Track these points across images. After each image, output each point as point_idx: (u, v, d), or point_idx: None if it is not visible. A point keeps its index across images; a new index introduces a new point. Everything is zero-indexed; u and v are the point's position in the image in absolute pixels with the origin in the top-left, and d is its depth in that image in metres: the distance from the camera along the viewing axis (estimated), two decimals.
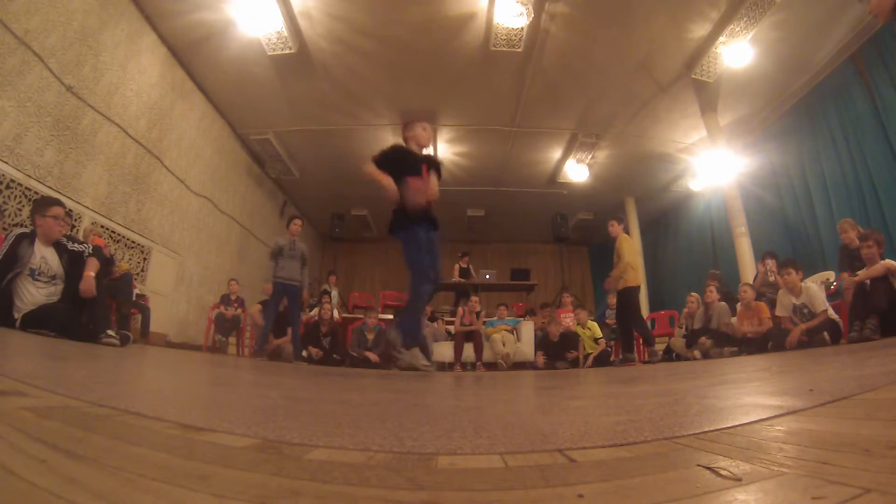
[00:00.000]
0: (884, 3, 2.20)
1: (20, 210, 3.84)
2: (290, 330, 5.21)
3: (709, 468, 0.50)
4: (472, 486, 0.47)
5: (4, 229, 3.47)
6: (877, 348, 2.60)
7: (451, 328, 6.42)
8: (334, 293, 7.39)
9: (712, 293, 4.91)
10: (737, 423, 0.76)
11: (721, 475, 0.47)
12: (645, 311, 5.16)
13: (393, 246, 3.56)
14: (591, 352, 5.60)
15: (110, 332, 2.92)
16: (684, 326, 5.31)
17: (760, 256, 5.41)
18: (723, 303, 4.90)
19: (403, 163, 3.03)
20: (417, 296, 3.01)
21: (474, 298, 6.35)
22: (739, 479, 0.45)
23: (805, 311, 3.93)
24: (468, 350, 5.89)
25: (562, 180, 8.57)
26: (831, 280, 4.73)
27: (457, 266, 8.35)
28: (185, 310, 6.36)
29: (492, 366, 5.84)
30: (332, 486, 0.45)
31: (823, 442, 0.61)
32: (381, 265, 11.62)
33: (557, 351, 5.61)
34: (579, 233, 10.71)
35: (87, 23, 4.39)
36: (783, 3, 4.89)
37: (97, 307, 3.02)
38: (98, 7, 4.49)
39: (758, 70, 5.85)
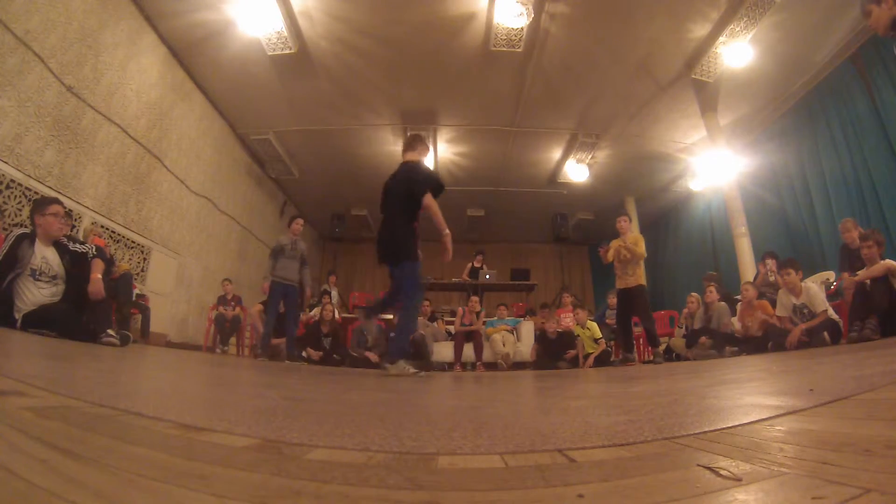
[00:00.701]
0: (882, 18, 2.33)
1: (20, 210, 3.84)
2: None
3: (709, 468, 0.50)
4: (472, 486, 0.47)
5: (4, 229, 3.47)
6: (877, 348, 2.60)
7: (451, 328, 6.43)
8: (334, 293, 7.38)
9: (712, 293, 4.91)
10: (737, 423, 0.76)
11: (721, 475, 0.47)
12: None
13: None
14: (591, 352, 5.59)
15: (110, 332, 2.92)
16: (684, 326, 5.31)
17: (760, 256, 5.42)
18: (722, 303, 4.90)
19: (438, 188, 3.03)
20: (414, 315, 3.09)
21: (474, 298, 6.35)
22: (739, 479, 0.45)
23: (805, 311, 3.93)
24: (468, 350, 5.89)
25: (562, 180, 8.57)
26: (831, 280, 4.74)
27: (469, 265, 7.86)
28: (185, 310, 6.36)
29: (492, 366, 5.84)
30: (332, 486, 0.45)
31: (823, 442, 0.61)
32: (380, 265, 11.58)
33: (555, 350, 5.61)
34: (579, 233, 10.71)
35: (87, 23, 4.39)
36: (783, 3, 4.89)
37: (98, 307, 3.02)
38: (98, 7, 4.49)
39: (758, 70, 5.85)
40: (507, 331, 6.19)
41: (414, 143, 3.29)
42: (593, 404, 1.35)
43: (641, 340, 5.73)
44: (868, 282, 3.51)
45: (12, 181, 3.76)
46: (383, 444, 0.63)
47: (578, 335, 5.73)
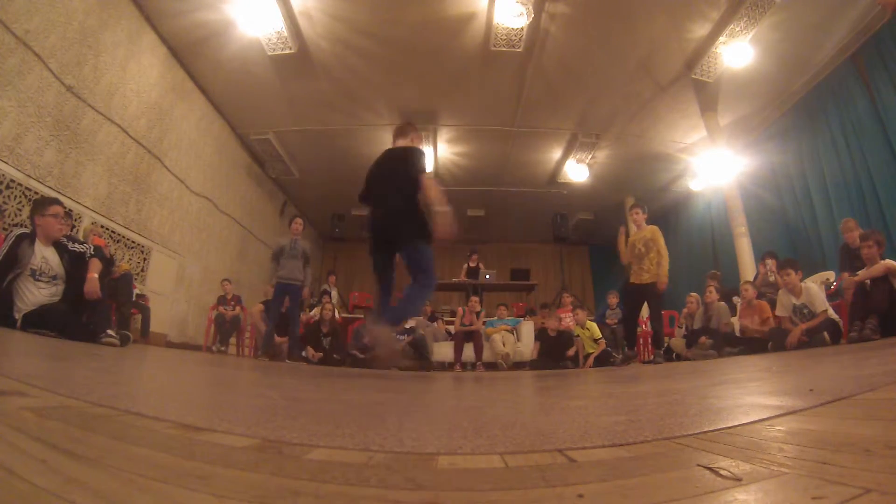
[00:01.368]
0: None
1: (20, 210, 3.84)
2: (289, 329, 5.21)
3: (709, 468, 0.50)
4: (472, 486, 0.47)
5: (4, 229, 3.47)
6: (877, 348, 2.60)
7: (451, 328, 6.42)
8: (334, 293, 7.38)
9: (712, 293, 4.90)
10: (737, 423, 0.76)
11: (721, 475, 0.47)
12: (645, 311, 5.14)
13: None
14: (591, 352, 5.59)
15: (110, 332, 2.93)
16: (684, 326, 5.31)
17: (760, 256, 5.42)
18: (722, 303, 4.90)
19: None
20: (426, 296, 3.01)
21: (474, 298, 6.35)
22: (739, 479, 0.45)
23: (805, 311, 3.93)
24: (468, 350, 5.89)
25: (562, 180, 8.57)
26: (831, 280, 4.73)
27: (465, 266, 7.75)
28: (185, 310, 6.36)
29: (492, 366, 5.84)
30: (331, 486, 0.45)
31: (823, 442, 0.61)
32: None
33: (554, 349, 5.60)
34: (579, 233, 10.71)
35: (87, 23, 4.39)
36: (783, 3, 4.89)
37: (98, 307, 3.03)
38: (98, 7, 4.49)
39: (758, 70, 5.85)
40: (507, 331, 6.19)
41: (406, 130, 3.15)
42: (593, 404, 1.35)
43: (642, 340, 5.73)
44: (868, 282, 3.51)
45: (12, 181, 3.76)
46: (383, 444, 0.63)
47: (578, 335, 5.73)
